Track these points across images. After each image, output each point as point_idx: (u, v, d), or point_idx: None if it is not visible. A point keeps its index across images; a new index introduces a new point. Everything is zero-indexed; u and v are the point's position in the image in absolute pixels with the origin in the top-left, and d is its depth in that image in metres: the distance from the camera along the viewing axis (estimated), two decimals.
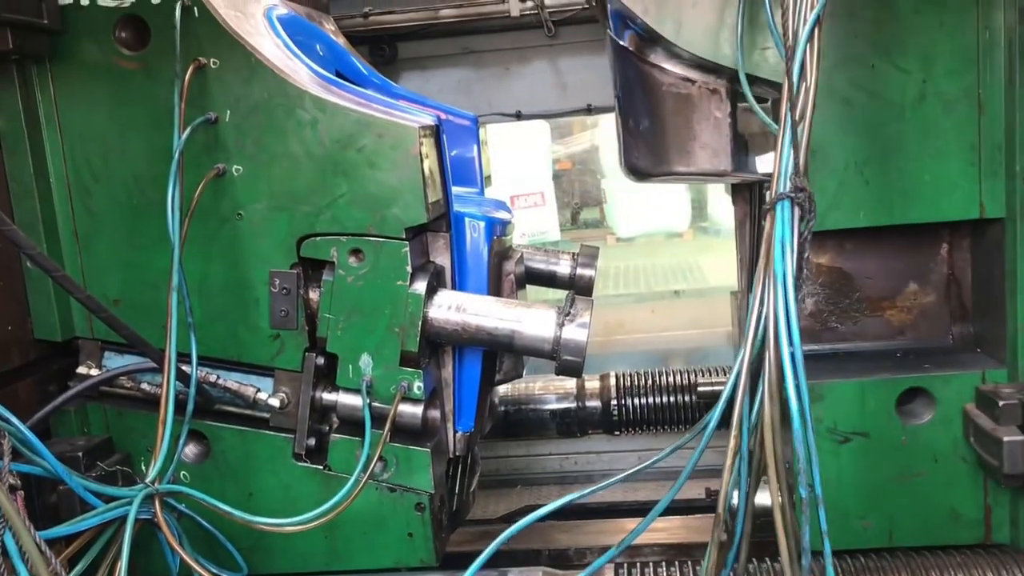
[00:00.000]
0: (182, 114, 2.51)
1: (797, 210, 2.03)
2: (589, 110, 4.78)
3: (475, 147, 3.44)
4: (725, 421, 2.21)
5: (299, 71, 2.63)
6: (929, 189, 2.55)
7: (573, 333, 2.60)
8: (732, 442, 2.09)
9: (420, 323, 2.58)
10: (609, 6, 2.66)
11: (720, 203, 10.39)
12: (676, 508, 4.22)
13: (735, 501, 2.15)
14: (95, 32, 2.60)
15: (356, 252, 2.59)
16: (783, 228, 2.02)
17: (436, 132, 2.67)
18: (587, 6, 4.32)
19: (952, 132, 2.52)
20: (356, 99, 2.63)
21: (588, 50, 4.69)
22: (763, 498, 2.13)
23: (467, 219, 2.79)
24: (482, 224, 2.80)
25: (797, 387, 1.96)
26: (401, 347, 2.60)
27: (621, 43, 2.68)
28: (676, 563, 2.83)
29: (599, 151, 11.50)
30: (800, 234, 2.03)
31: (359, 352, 2.62)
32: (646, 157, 2.74)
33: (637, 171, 2.79)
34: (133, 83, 2.62)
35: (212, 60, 2.56)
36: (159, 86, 2.58)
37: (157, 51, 2.58)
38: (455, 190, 2.83)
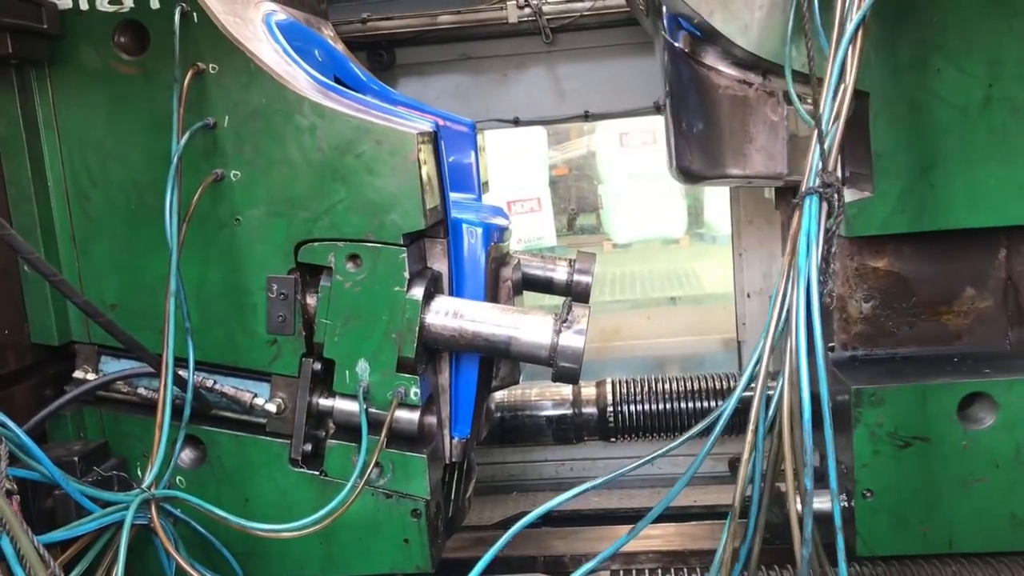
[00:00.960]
0: (181, 119, 2.51)
1: (825, 205, 2.05)
2: (586, 116, 4.78)
3: (473, 153, 3.44)
4: (730, 428, 2.22)
5: (298, 77, 2.63)
6: (995, 193, 2.55)
7: (570, 340, 2.61)
8: (749, 436, 2.10)
9: (417, 329, 2.58)
10: (664, 8, 2.65)
11: (716, 210, 10.40)
12: (671, 515, 4.23)
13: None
14: (94, 37, 2.61)
15: (354, 258, 2.59)
16: (809, 222, 2.06)
17: (434, 138, 2.68)
18: (586, 13, 4.33)
19: (1018, 136, 2.52)
20: (355, 105, 2.64)
21: (586, 57, 4.70)
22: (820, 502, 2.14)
23: (464, 225, 2.79)
24: (480, 230, 2.80)
25: (815, 377, 1.98)
26: (398, 353, 2.60)
27: (676, 45, 2.68)
28: (672, 570, 2.83)
29: (596, 157, 11.49)
30: (827, 229, 2.06)
31: (356, 358, 2.62)
32: (700, 160, 2.75)
33: (690, 174, 2.79)
34: (132, 88, 2.62)
35: (211, 65, 2.57)
36: (158, 91, 2.58)
37: (156, 56, 2.59)
38: (453, 196, 2.84)
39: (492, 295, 2.92)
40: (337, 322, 2.61)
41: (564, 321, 2.63)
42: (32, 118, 2.67)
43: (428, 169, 2.62)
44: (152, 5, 2.57)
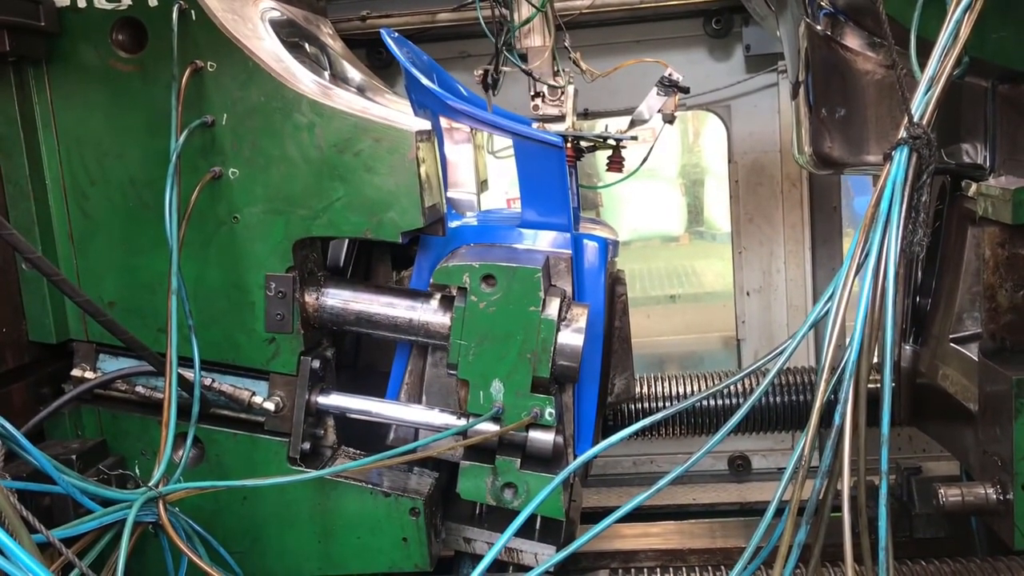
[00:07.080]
0: (179, 117, 2.51)
1: (915, 156, 2.07)
2: (585, 114, 4.78)
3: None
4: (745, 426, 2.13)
5: (297, 74, 2.63)
6: None
7: (568, 338, 2.60)
8: (821, 388, 2.07)
9: (553, 349, 2.55)
10: None
11: (717, 208, 10.39)
12: (670, 513, 4.24)
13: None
14: (92, 35, 2.60)
15: (488, 278, 2.56)
16: (897, 171, 2.07)
17: (431, 137, 2.67)
18: (585, 11, 4.32)
19: None
20: (352, 103, 2.63)
21: (585, 55, 4.69)
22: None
23: (584, 240, 2.77)
24: (596, 245, 2.78)
25: (883, 310, 2.00)
26: (533, 373, 2.57)
27: (818, 28, 2.64)
28: (671, 569, 2.83)
29: (595, 155, 11.48)
30: (916, 177, 2.07)
31: (490, 378, 2.59)
32: (841, 146, 2.71)
33: (828, 160, 2.75)
34: (130, 86, 2.62)
35: (209, 63, 2.56)
36: (156, 89, 2.58)
37: (154, 54, 2.58)
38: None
39: (609, 311, 2.88)
40: (471, 342, 2.58)
41: (563, 320, 2.62)
42: (30, 116, 2.66)
43: (427, 167, 2.62)
44: (150, 3, 2.56)
